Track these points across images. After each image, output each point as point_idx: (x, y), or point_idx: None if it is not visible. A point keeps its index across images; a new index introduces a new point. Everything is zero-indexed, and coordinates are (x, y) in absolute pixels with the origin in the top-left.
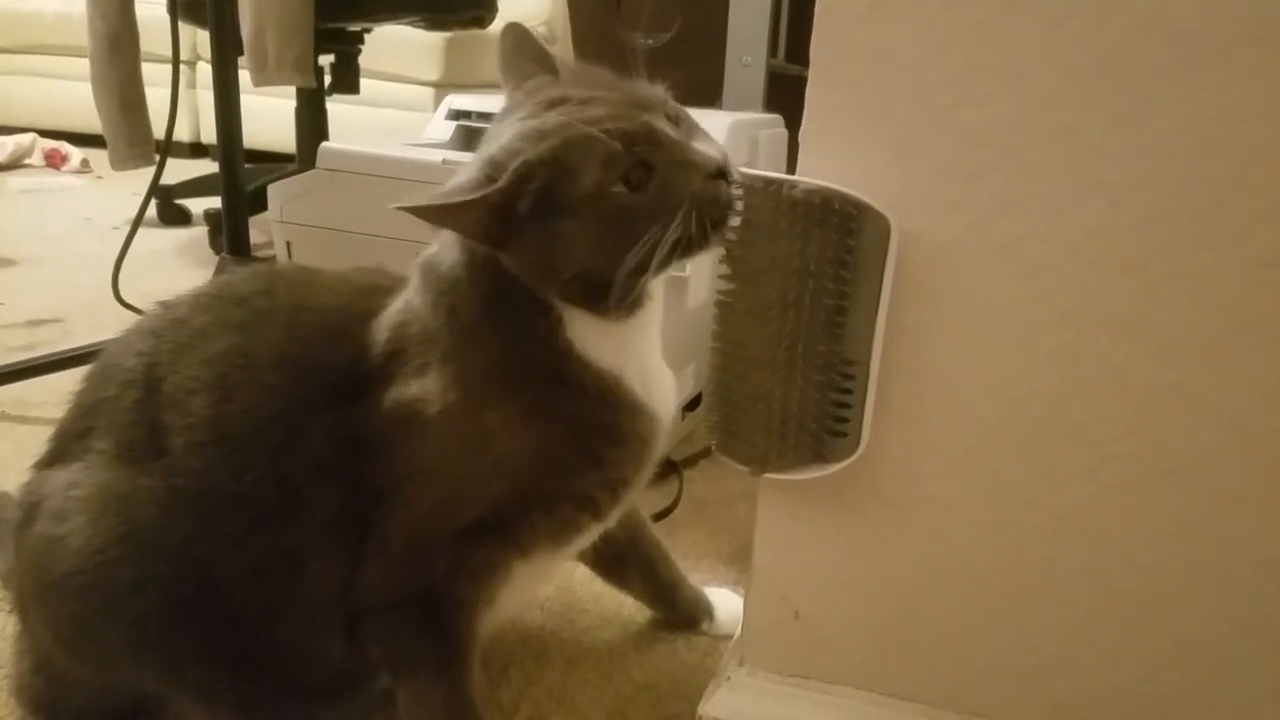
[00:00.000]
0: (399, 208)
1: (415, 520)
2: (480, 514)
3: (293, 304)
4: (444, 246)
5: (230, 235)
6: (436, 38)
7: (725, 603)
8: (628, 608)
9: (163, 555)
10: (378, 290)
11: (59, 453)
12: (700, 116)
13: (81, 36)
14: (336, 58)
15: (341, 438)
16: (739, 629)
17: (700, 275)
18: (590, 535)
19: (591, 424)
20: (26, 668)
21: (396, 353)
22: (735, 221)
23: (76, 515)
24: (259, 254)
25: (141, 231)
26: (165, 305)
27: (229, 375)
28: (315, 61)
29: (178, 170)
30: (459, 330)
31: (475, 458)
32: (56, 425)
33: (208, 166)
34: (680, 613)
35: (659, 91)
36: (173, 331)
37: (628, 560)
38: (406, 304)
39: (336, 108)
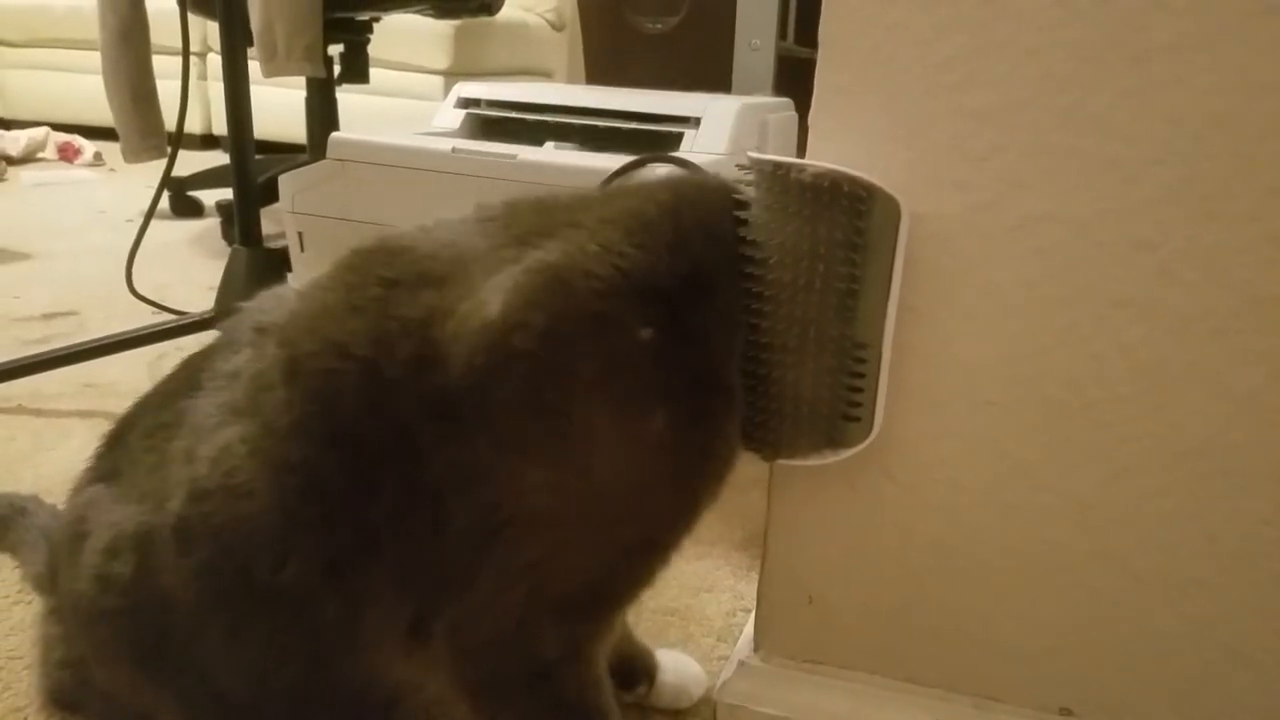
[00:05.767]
0: None
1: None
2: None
3: None
4: None
5: (242, 226)
6: (445, 26)
7: (677, 666)
8: None
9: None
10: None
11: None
12: (709, 101)
13: (92, 30)
14: (346, 47)
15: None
16: (683, 701)
17: None
18: None
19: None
20: (55, 658)
21: None
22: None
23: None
24: (271, 244)
25: (154, 223)
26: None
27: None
28: (325, 51)
29: (190, 162)
30: None
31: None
32: None
33: (219, 158)
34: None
35: None
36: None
37: None
38: None
39: (346, 97)
